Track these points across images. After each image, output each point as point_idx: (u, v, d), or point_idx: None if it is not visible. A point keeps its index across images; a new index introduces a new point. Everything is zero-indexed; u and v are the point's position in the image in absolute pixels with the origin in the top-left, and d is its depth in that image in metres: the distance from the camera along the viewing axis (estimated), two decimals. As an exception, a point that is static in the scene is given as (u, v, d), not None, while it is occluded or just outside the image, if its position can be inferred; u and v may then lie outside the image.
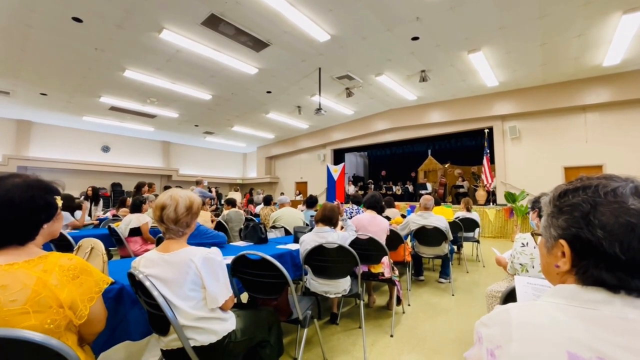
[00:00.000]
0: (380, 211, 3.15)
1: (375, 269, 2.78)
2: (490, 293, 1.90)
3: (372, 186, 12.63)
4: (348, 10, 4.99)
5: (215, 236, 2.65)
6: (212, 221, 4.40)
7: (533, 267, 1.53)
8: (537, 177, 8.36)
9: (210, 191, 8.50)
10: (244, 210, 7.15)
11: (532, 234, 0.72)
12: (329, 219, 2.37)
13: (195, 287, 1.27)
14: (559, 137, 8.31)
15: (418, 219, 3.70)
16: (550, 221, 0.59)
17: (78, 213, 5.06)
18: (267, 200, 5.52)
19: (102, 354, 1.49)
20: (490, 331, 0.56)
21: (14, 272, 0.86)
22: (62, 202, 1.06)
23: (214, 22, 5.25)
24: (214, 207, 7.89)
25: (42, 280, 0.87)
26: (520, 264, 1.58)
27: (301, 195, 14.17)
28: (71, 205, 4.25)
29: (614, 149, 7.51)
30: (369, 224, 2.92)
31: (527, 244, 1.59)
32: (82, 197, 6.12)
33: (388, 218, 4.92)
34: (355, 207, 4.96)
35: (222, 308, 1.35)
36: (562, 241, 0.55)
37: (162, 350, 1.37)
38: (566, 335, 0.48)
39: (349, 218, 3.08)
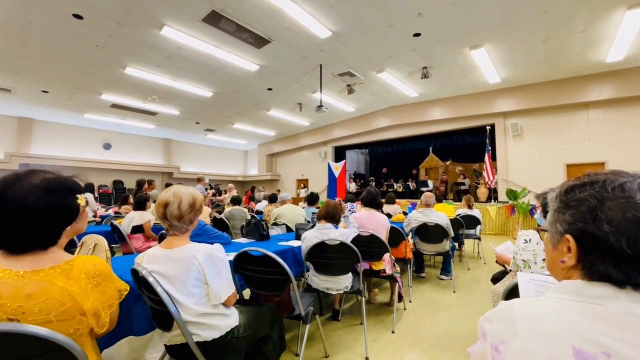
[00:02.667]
0: (378, 207, 3.13)
1: (377, 267, 2.78)
2: (497, 291, 1.91)
3: (373, 183, 12.63)
4: (349, 6, 4.96)
5: (219, 236, 2.65)
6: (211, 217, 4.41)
7: (535, 263, 1.53)
8: (539, 174, 8.34)
9: (210, 189, 8.50)
10: (246, 207, 7.16)
11: (538, 230, 0.71)
12: (332, 216, 2.37)
13: (198, 283, 1.27)
14: (561, 134, 8.28)
15: (419, 216, 3.70)
16: (557, 216, 0.59)
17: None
18: (272, 198, 5.56)
19: (106, 350, 1.50)
20: (494, 326, 0.56)
21: (40, 281, 0.84)
22: (85, 199, 1.02)
23: (214, 19, 5.23)
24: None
25: (66, 290, 0.86)
26: (523, 260, 1.58)
27: (306, 189, 14.17)
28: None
29: (616, 146, 7.48)
30: (367, 221, 2.91)
31: (529, 240, 1.60)
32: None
33: (389, 215, 4.93)
34: (349, 204, 4.96)
35: (225, 304, 1.36)
36: (568, 236, 0.55)
37: (165, 345, 1.38)
38: (571, 331, 0.47)
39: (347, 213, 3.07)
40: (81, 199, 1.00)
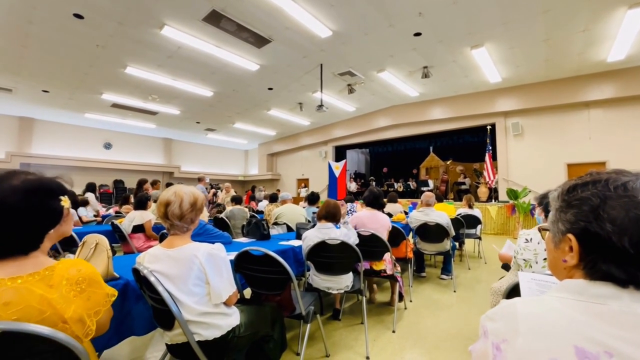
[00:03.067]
0: (380, 207, 3.09)
1: (377, 267, 2.78)
2: (496, 290, 1.90)
3: (374, 183, 12.62)
4: (350, 5, 4.95)
5: (220, 236, 2.66)
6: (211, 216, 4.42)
7: (537, 262, 1.53)
8: (540, 173, 8.33)
9: (211, 188, 8.52)
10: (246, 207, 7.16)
11: (540, 230, 0.71)
12: (333, 215, 2.37)
13: (199, 282, 1.28)
14: (562, 133, 8.26)
15: (420, 215, 3.69)
16: (559, 215, 0.59)
17: (82, 209, 5.09)
18: (273, 198, 5.55)
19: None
20: (496, 325, 0.56)
21: (17, 288, 0.80)
22: (69, 201, 0.98)
23: (215, 18, 5.22)
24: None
25: (46, 298, 0.81)
26: (524, 260, 1.58)
27: (307, 189, 14.16)
28: (75, 200, 4.27)
29: (617, 145, 7.46)
30: (369, 221, 2.89)
31: (530, 239, 1.59)
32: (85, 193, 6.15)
33: (390, 215, 4.93)
34: (349, 204, 4.96)
35: (226, 303, 1.36)
36: (570, 235, 0.55)
37: (166, 344, 1.39)
38: (573, 330, 0.47)
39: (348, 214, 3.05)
40: (65, 200, 0.95)
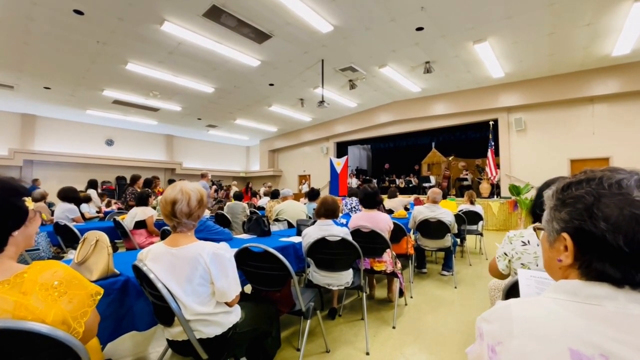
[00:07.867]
0: (378, 206, 2.97)
1: (378, 267, 2.75)
2: (494, 286, 1.89)
3: (375, 180, 12.61)
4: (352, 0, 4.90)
5: (221, 232, 2.66)
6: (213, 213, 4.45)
7: (537, 265, 1.47)
8: (543, 169, 8.27)
9: (212, 185, 8.54)
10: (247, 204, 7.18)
11: (535, 229, 0.70)
12: (332, 211, 2.37)
13: (204, 282, 1.27)
14: (565, 129, 8.19)
15: (424, 210, 3.67)
16: (553, 214, 0.58)
17: (84, 206, 5.13)
18: (274, 194, 5.55)
19: (109, 344, 1.53)
20: (491, 327, 0.55)
21: None
22: (33, 203, 0.94)
23: (215, 14, 5.19)
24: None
25: (22, 304, 0.77)
26: (522, 264, 1.51)
27: (308, 185, 14.16)
28: (76, 197, 4.29)
29: (621, 141, 7.39)
30: (367, 222, 2.77)
31: (528, 242, 1.53)
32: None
33: (391, 211, 4.92)
34: (354, 199, 4.93)
35: (229, 304, 1.35)
36: (565, 234, 0.54)
37: (168, 340, 1.40)
38: (568, 332, 0.47)
39: (348, 211, 3.00)
40: (29, 201, 0.90)
